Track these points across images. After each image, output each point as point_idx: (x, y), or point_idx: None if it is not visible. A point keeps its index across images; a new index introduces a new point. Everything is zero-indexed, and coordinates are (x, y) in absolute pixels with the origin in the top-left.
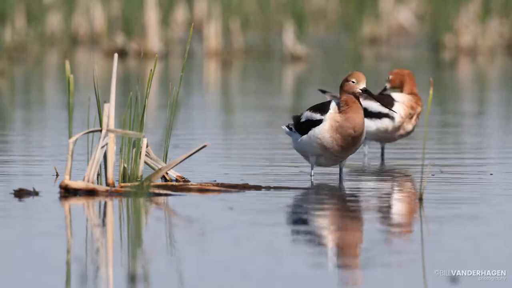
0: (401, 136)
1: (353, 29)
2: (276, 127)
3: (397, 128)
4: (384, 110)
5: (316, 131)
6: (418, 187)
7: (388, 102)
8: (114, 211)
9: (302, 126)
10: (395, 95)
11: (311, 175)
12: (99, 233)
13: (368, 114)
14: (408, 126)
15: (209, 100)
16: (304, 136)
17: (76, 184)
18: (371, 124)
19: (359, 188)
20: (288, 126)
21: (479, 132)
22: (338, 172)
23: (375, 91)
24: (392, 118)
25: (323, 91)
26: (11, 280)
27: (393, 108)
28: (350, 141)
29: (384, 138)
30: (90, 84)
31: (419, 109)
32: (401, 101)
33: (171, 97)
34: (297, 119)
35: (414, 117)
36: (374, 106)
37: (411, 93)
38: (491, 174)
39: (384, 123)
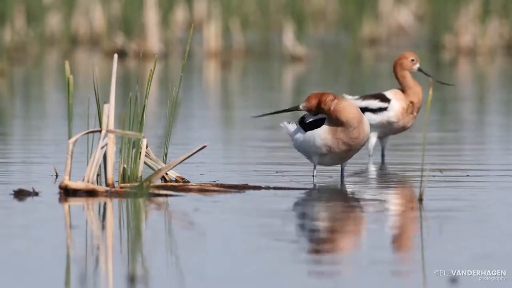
0: (404, 127)
1: (353, 29)
2: (276, 127)
3: (399, 120)
4: (384, 105)
5: (319, 131)
6: (418, 187)
7: (383, 98)
8: (114, 212)
9: (307, 124)
10: (387, 92)
11: (313, 175)
12: (99, 233)
13: (370, 110)
14: (409, 118)
15: (208, 100)
16: (308, 135)
17: (75, 185)
18: (375, 117)
19: (358, 188)
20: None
21: (479, 133)
22: (340, 172)
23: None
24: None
25: None
26: (11, 280)
27: (389, 104)
28: (353, 145)
29: (388, 129)
30: (90, 84)
31: (416, 100)
32: (395, 97)
33: (170, 97)
34: (302, 117)
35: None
36: (374, 103)
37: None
38: (467, 175)
39: (385, 115)
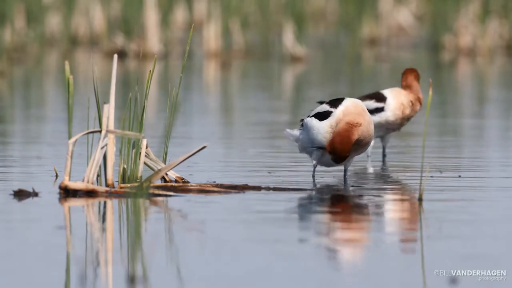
0: (402, 124)
1: (353, 29)
2: (276, 128)
3: (397, 118)
4: (380, 104)
5: (324, 123)
6: (418, 187)
7: (379, 97)
8: (114, 212)
9: (313, 116)
10: (385, 91)
11: (313, 175)
12: (99, 233)
13: (368, 112)
14: (407, 114)
15: (208, 101)
16: (313, 122)
17: (75, 185)
18: (373, 118)
19: (358, 188)
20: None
21: (479, 133)
22: (343, 173)
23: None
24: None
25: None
26: (11, 280)
27: (385, 103)
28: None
29: (387, 127)
30: (90, 85)
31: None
32: (392, 95)
33: (170, 98)
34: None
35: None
36: (370, 104)
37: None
38: (459, 176)
39: (383, 116)
